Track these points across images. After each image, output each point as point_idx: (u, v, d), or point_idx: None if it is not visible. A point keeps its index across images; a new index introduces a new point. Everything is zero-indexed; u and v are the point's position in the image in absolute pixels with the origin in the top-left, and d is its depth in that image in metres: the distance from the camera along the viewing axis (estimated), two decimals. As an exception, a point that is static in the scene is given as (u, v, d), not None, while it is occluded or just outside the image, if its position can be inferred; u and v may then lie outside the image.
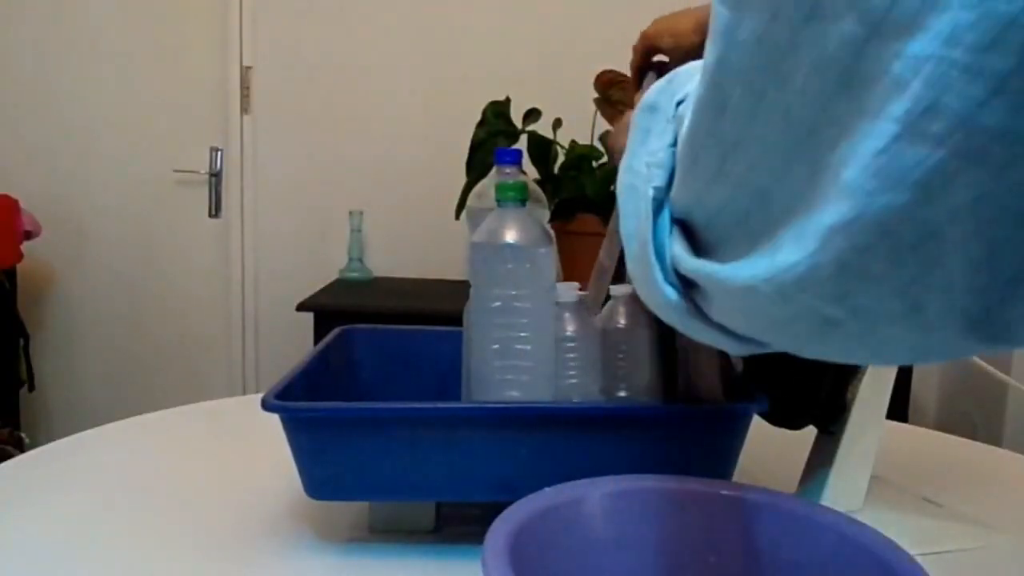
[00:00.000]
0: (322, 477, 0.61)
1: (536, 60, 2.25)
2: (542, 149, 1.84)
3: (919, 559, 0.41)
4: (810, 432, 0.72)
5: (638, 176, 0.35)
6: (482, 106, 1.86)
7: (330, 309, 1.96)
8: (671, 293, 0.33)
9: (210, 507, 0.70)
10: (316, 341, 1.77)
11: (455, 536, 0.66)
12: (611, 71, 1.50)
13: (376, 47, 2.33)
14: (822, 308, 0.25)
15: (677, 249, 0.32)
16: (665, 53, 0.66)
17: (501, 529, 0.43)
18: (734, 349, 0.34)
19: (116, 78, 2.38)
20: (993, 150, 0.19)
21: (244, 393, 2.33)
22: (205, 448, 0.87)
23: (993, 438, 1.93)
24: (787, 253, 0.25)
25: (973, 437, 1.00)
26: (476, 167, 1.77)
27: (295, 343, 2.29)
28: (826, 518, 0.47)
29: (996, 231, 0.21)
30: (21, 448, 2.04)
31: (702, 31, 0.33)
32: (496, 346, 0.64)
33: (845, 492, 0.69)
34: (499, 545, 0.41)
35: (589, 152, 1.84)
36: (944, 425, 2.17)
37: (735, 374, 0.68)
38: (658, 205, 0.33)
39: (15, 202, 2.16)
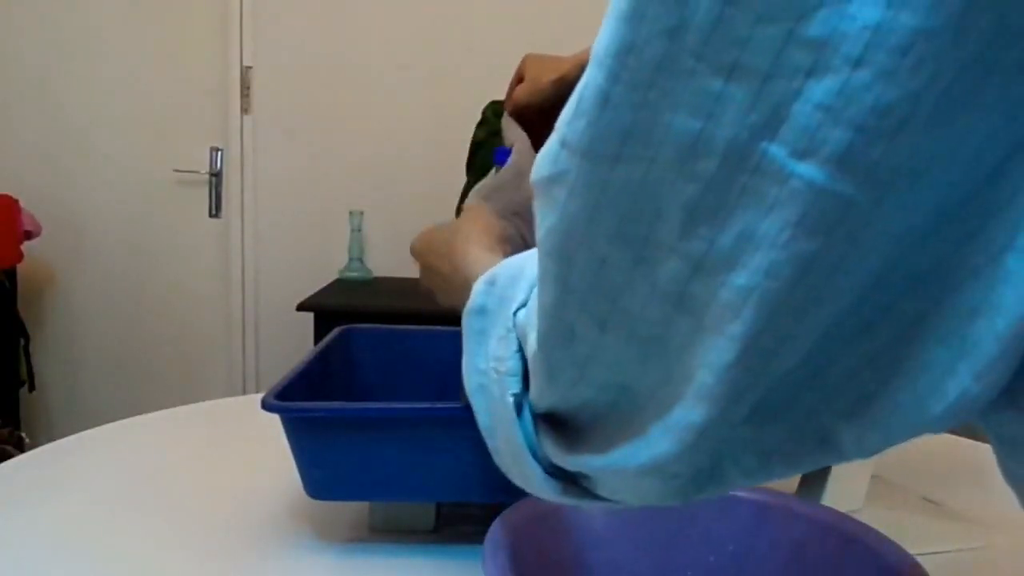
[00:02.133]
0: (322, 477, 0.61)
1: (536, 60, 2.25)
2: (542, 149, 1.83)
3: (919, 559, 0.41)
4: (810, 432, 0.72)
5: (487, 377, 0.36)
6: (482, 106, 1.86)
7: (330, 309, 1.96)
8: (554, 484, 0.34)
9: (210, 507, 0.70)
10: (316, 341, 1.77)
11: (455, 536, 0.66)
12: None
13: (376, 47, 2.33)
14: (699, 468, 0.28)
15: (549, 448, 0.33)
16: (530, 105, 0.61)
17: (501, 529, 0.43)
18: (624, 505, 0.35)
19: (116, 78, 2.38)
20: (815, 353, 0.23)
21: (244, 393, 2.33)
22: (205, 448, 0.87)
23: (993, 438, 1.92)
24: (662, 443, 0.27)
25: (973, 437, 1.00)
26: (476, 167, 1.77)
27: (295, 343, 2.29)
28: (826, 518, 0.47)
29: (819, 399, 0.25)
30: (21, 448, 2.04)
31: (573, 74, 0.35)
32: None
33: (845, 492, 0.69)
34: (499, 545, 0.41)
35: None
36: (944, 425, 2.16)
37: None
38: (518, 407, 0.34)
39: (15, 202, 2.16)
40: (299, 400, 0.61)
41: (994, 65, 0.18)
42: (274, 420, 0.59)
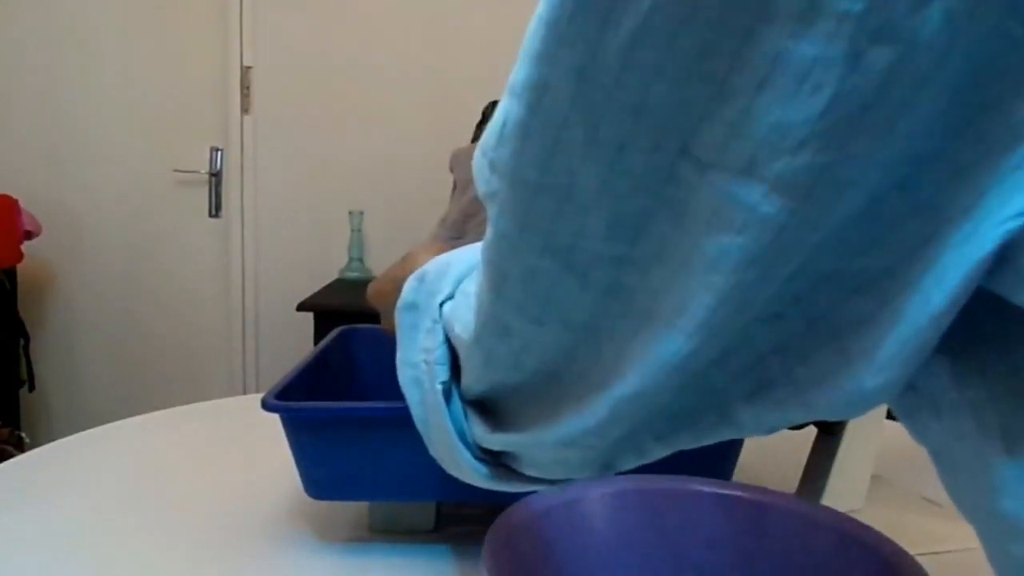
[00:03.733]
0: (322, 477, 0.61)
1: (536, 60, 2.25)
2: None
3: (919, 559, 0.41)
4: (810, 432, 0.72)
5: (418, 369, 0.37)
6: (482, 106, 1.86)
7: (330, 309, 1.96)
8: (482, 468, 0.36)
9: (210, 507, 0.70)
10: (316, 341, 1.77)
11: (455, 536, 0.66)
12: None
13: (376, 47, 2.33)
14: (616, 439, 0.29)
15: (477, 430, 0.35)
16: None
17: (501, 529, 0.43)
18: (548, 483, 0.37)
19: (116, 78, 2.38)
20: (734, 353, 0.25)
21: (244, 393, 2.33)
22: (205, 448, 0.87)
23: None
24: (582, 420, 0.28)
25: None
26: (476, 167, 1.77)
27: (295, 343, 2.29)
28: (826, 518, 0.47)
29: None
30: (21, 448, 2.04)
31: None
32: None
33: (845, 492, 0.69)
34: (499, 545, 0.41)
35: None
36: (944, 425, 2.16)
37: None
38: (447, 395, 0.36)
39: (15, 202, 2.16)
40: (299, 400, 0.61)
41: (899, 95, 0.18)
42: (274, 420, 0.59)
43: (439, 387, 0.36)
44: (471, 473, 0.37)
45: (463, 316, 0.33)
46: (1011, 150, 0.18)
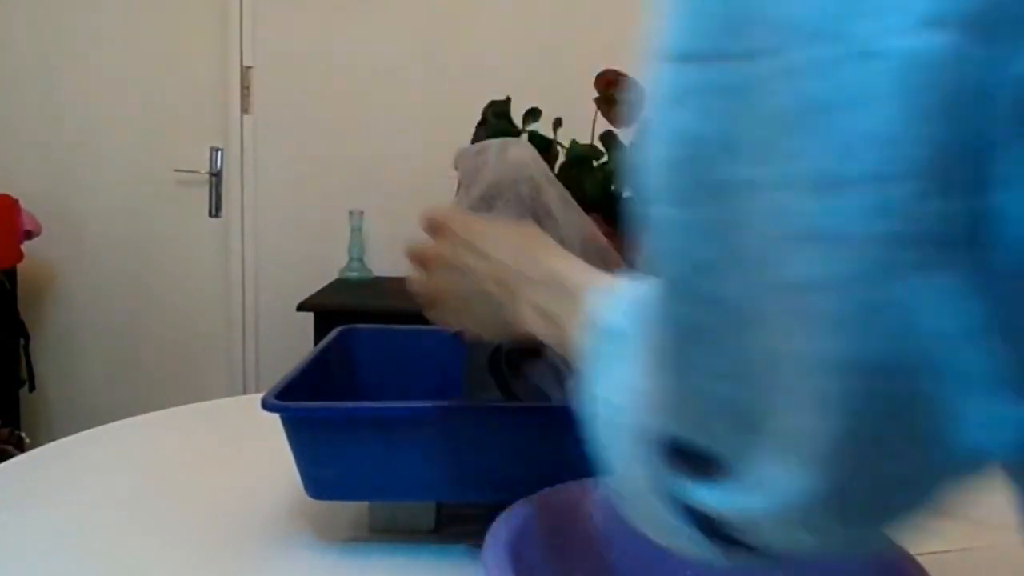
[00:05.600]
0: (322, 477, 0.61)
1: (536, 60, 2.25)
2: (542, 149, 1.83)
3: (919, 559, 0.41)
4: (810, 432, 0.72)
5: (617, 410, 0.31)
6: (482, 106, 1.86)
7: (330, 309, 1.96)
8: (699, 535, 0.29)
9: (210, 507, 0.70)
10: (316, 341, 1.77)
11: (455, 536, 0.66)
12: (611, 71, 1.51)
13: (376, 47, 2.32)
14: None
15: (703, 495, 0.27)
16: None
17: (501, 529, 0.43)
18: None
19: (116, 78, 2.38)
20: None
21: (244, 393, 2.32)
22: (205, 448, 0.87)
23: (993, 438, 1.92)
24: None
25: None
26: (476, 167, 1.76)
27: (295, 343, 2.28)
28: (826, 518, 0.47)
29: None
30: (21, 448, 2.04)
31: None
32: (496, 346, 0.64)
33: (845, 492, 0.69)
34: (499, 545, 0.41)
35: (590, 152, 1.84)
36: (944, 425, 2.16)
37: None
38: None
39: (15, 202, 2.16)
40: (299, 400, 0.61)
41: None
42: (274, 420, 0.59)
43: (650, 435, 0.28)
44: (686, 540, 0.29)
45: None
46: None
